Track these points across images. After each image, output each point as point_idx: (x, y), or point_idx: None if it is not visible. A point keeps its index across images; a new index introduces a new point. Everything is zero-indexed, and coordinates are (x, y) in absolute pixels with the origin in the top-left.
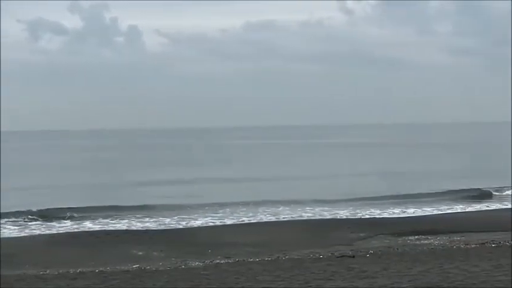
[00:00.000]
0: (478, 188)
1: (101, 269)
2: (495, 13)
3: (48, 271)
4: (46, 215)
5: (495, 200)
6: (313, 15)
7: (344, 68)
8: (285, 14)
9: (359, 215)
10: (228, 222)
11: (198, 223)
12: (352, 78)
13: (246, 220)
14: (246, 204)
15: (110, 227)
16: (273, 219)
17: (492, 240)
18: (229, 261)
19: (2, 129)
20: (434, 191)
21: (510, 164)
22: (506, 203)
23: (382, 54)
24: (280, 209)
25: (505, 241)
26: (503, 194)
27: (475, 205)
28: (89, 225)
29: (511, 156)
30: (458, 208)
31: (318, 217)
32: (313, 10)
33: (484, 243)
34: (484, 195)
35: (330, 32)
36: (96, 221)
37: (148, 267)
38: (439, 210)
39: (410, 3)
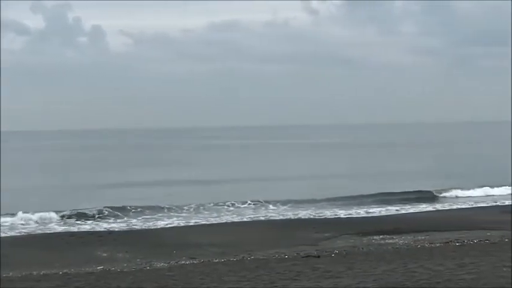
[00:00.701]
0: (419, 190)
1: (65, 270)
2: (459, 13)
3: (11, 273)
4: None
5: (438, 201)
6: (278, 16)
7: (308, 68)
8: (249, 14)
9: (324, 215)
10: (194, 222)
11: (163, 224)
12: (317, 79)
13: (211, 221)
14: (211, 204)
15: (75, 229)
16: (239, 219)
17: (456, 239)
18: (195, 261)
19: None
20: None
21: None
22: (448, 204)
23: (346, 54)
24: (246, 209)
25: (468, 240)
26: (447, 195)
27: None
28: (53, 227)
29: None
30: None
31: (283, 217)
32: (278, 10)
33: (448, 242)
34: (425, 197)
35: (294, 32)
36: (61, 223)
37: (113, 268)
38: (403, 209)
39: (375, 3)
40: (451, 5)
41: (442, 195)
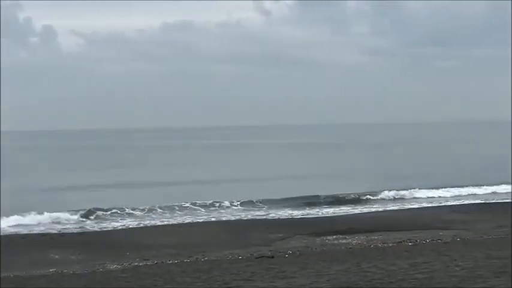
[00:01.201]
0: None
1: (16, 273)
2: (410, 14)
3: None
4: None
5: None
6: (231, 16)
7: (261, 68)
8: (203, 14)
9: (277, 215)
10: (147, 224)
11: (116, 225)
12: (270, 79)
13: (164, 222)
14: (164, 206)
15: (26, 231)
16: (192, 220)
17: (409, 239)
18: (148, 263)
19: None
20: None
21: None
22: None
23: (299, 55)
24: (199, 210)
25: (421, 239)
26: (378, 197)
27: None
28: (3, 229)
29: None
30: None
31: (236, 218)
32: (231, 11)
33: (400, 242)
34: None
35: (247, 33)
36: (12, 225)
37: (65, 270)
38: (356, 209)
39: (328, 3)
40: (402, 5)
41: (378, 197)
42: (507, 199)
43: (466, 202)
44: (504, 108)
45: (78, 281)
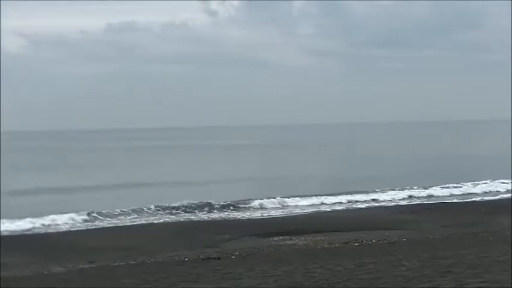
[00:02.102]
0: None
1: None
2: (356, 15)
3: None
4: None
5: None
6: (177, 17)
7: (208, 69)
8: (148, 15)
9: (223, 216)
10: (93, 226)
11: (62, 228)
12: (216, 80)
13: (111, 224)
14: (109, 208)
15: None
16: (138, 222)
17: (355, 240)
18: (93, 265)
19: None
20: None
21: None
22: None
23: (245, 55)
24: (147, 212)
25: (367, 240)
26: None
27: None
28: None
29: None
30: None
31: (183, 219)
32: (177, 11)
33: (347, 243)
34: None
35: (193, 34)
36: None
37: (7, 274)
38: (303, 210)
39: (274, 4)
40: (348, 7)
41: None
42: (452, 200)
43: (413, 202)
44: (448, 109)
45: (21, 284)
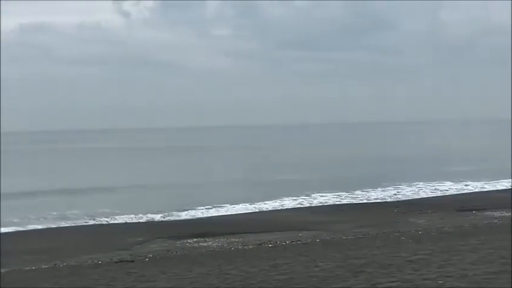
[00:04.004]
0: None
1: None
2: (272, 16)
3: None
4: None
5: None
6: (91, 18)
7: (121, 71)
8: (61, 15)
9: (137, 219)
10: (4, 230)
11: None
12: (129, 81)
13: (23, 228)
14: (22, 212)
15: None
16: (51, 226)
17: (269, 241)
18: (5, 270)
19: None
20: None
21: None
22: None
23: (160, 57)
24: (58, 216)
25: (281, 241)
26: None
27: None
28: None
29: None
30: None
31: (96, 223)
32: (91, 12)
33: (261, 244)
34: None
35: (107, 35)
36: None
37: None
38: (218, 212)
39: (189, 4)
40: (263, 8)
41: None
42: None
43: (326, 203)
44: (362, 111)
45: None
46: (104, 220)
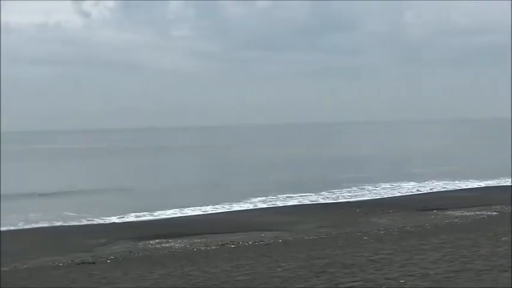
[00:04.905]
0: None
1: None
2: (233, 16)
3: None
4: None
5: None
6: (51, 18)
7: (81, 71)
8: (20, 16)
9: (99, 220)
10: None
11: None
12: (89, 82)
13: None
14: None
15: None
16: (10, 228)
17: (231, 241)
18: None
19: None
20: None
21: None
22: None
23: (121, 58)
24: (16, 218)
25: (243, 242)
26: None
27: None
28: None
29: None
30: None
31: (56, 225)
32: (51, 12)
33: (223, 245)
34: None
35: (67, 35)
36: None
37: None
38: (181, 213)
39: (150, 5)
40: (225, 9)
41: None
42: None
43: (289, 204)
44: (322, 112)
45: None
46: (65, 222)
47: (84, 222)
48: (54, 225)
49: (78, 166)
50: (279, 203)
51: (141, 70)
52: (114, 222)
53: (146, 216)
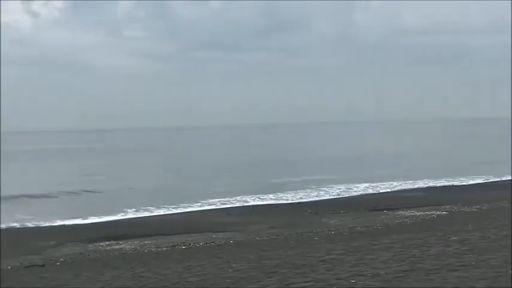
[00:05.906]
0: None
1: None
2: (185, 17)
3: None
4: None
5: None
6: None
7: (29, 72)
8: None
9: (48, 222)
10: None
11: None
12: (37, 83)
13: None
14: None
15: None
16: None
17: (182, 243)
18: None
19: None
20: None
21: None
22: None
23: (71, 58)
24: None
25: (195, 243)
26: None
27: None
28: None
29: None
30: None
31: (4, 227)
32: None
33: (174, 246)
34: None
35: (16, 35)
36: None
37: None
38: (132, 214)
39: (99, 5)
40: (176, 8)
41: None
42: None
43: (241, 205)
44: (275, 112)
45: None
46: (14, 224)
47: (34, 224)
48: (3, 227)
49: (24, 168)
50: (232, 204)
51: (91, 71)
52: (64, 225)
53: (97, 218)
